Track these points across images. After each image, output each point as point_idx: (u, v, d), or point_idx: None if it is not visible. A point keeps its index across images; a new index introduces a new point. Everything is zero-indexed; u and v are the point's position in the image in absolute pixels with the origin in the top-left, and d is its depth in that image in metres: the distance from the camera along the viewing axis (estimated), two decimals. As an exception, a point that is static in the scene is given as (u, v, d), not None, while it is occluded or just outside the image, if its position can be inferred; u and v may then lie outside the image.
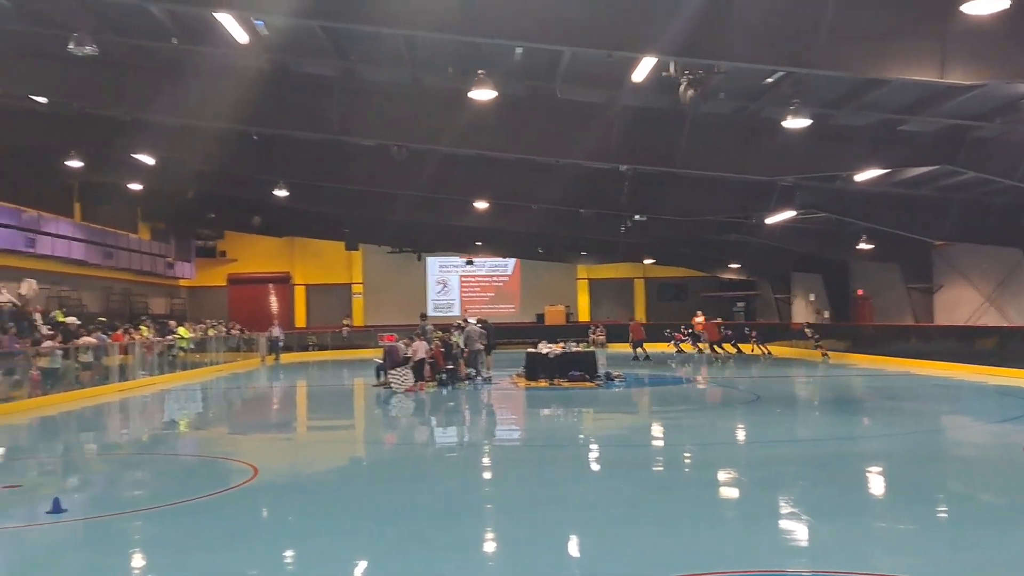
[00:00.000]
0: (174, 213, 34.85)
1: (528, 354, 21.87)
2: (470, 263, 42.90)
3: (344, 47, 14.48)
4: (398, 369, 20.04)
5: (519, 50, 13.80)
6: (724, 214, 25.07)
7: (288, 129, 18.17)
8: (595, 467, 10.90)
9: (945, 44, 11.21)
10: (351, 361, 32.17)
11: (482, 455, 11.93)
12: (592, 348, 26.07)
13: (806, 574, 5.99)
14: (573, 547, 6.91)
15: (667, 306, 41.89)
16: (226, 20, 12.35)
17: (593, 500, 8.54)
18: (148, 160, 22.82)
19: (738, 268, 37.66)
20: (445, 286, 44.15)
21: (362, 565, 6.47)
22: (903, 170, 19.00)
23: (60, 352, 19.60)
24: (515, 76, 15.22)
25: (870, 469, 10.22)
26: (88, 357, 20.62)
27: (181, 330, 29.10)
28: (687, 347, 33.13)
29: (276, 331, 35.26)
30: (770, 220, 24.53)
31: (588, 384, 20.28)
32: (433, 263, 43.59)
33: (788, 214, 23.49)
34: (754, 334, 32.36)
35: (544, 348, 21.68)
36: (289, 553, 6.75)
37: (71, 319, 22.96)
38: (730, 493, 9.21)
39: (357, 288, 42.95)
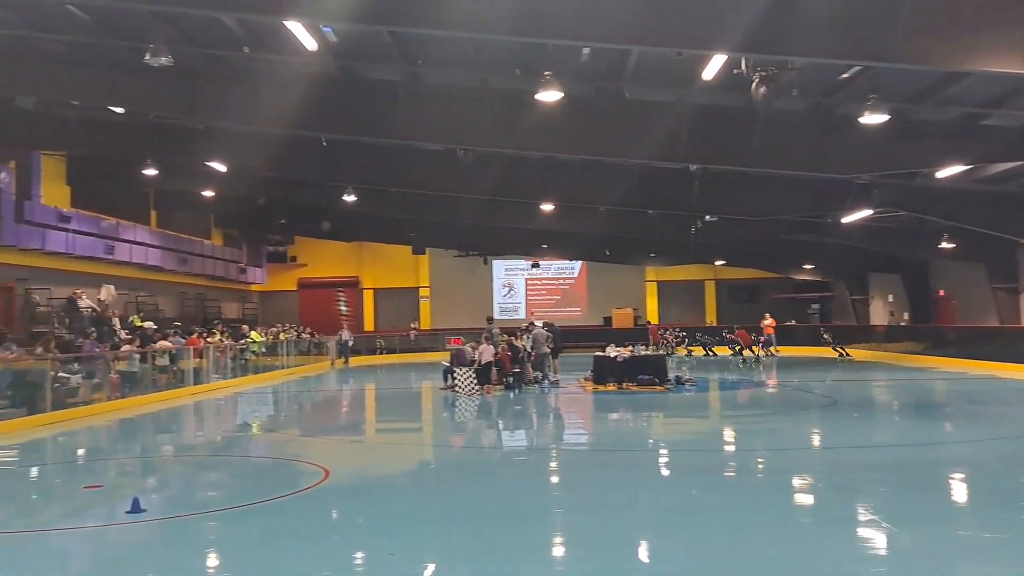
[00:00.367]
0: (246, 219, 35.75)
1: (596, 357, 21.69)
2: (536, 266, 42.76)
3: (411, 51, 14.55)
4: (462, 368, 20.09)
5: (586, 51, 13.70)
6: (798, 213, 24.44)
7: (355, 134, 18.32)
8: (665, 472, 10.71)
9: (1032, 34, 10.71)
10: (419, 364, 32.35)
11: (550, 459, 11.83)
12: (673, 352, 25.82)
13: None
14: (643, 552, 6.79)
15: (739, 308, 40.57)
16: (296, 28, 12.54)
17: (666, 504, 8.38)
18: (220, 167, 23.33)
19: (812, 269, 36.79)
20: (511, 289, 44.14)
21: (431, 568, 6.43)
22: (987, 166, 18.28)
23: (138, 356, 20.16)
24: (582, 77, 15.11)
25: (954, 475, 9.84)
26: (164, 361, 21.14)
27: (253, 334, 29.72)
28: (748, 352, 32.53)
29: (346, 335, 35.86)
30: (846, 219, 23.85)
31: (658, 388, 20.00)
32: (499, 266, 43.63)
33: (865, 213, 22.79)
34: (827, 336, 31.77)
35: (612, 351, 21.44)
36: (360, 555, 6.80)
37: (148, 324, 23.53)
38: (806, 499, 8.92)
39: (424, 292, 43.25)
